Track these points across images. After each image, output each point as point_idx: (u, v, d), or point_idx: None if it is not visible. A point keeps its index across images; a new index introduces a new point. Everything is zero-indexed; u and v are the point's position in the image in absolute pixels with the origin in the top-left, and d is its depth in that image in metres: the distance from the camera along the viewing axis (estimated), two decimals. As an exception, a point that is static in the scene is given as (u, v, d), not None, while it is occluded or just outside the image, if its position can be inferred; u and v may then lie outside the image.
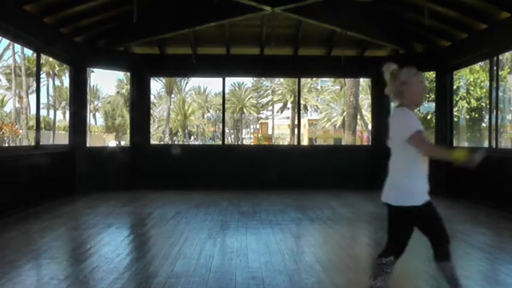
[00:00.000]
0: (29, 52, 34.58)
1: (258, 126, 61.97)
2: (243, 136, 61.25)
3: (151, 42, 9.63)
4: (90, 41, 9.05)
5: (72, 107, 9.15)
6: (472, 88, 20.04)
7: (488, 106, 8.51)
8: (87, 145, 9.85)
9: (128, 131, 10.92)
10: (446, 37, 8.75)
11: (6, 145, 25.94)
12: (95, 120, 56.24)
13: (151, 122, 32.37)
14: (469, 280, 3.68)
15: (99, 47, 9.25)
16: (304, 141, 43.33)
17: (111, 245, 4.75)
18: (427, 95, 20.91)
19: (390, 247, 2.90)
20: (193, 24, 8.89)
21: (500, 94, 18.84)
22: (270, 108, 58.73)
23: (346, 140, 23.14)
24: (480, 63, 16.40)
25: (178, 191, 9.00)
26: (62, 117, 50.13)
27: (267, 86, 56.37)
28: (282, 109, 55.04)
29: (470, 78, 19.79)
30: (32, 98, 35.08)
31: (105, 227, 5.69)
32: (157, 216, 6.51)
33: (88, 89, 40.65)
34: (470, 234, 5.43)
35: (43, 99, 43.76)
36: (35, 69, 8.58)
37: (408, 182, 2.77)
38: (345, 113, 27.77)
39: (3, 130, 29.22)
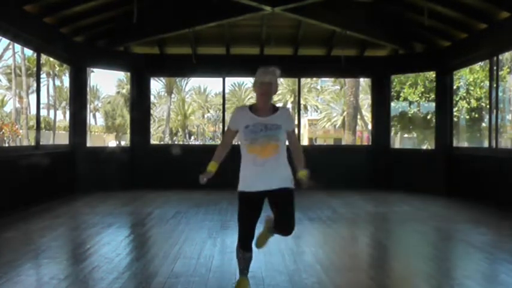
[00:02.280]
0: (29, 52, 34.56)
1: (258, 126, 61.82)
2: (243, 136, 61.12)
3: (151, 42, 9.64)
4: (90, 41, 9.05)
5: (72, 107, 9.15)
6: (472, 88, 20.02)
7: (488, 106, 8.51)
8: (87, 145, 9.84)
9: (128, 131, 10.92)
10: (446, 37, 8.75)
11: (7, 145, 25.94)
12: (95, 120, 56.22)
13: (151, 122, 32.33)
14: (469, 280, 3.68)
15: (99, 47, 9.25)
16: (304, 141, 43.30)
17: (111, 245, 4.75)
18: (427, 95, 20.96)
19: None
20: (193, 24, 8.89)
21: (500, 94, 18.80)
22: (270, 108, 58.64)
23: (346, 140, 23.15)
24: (480, 63, 16.37)
25: (178, 191, 9.00)
26: (62, 117, 50.08)
27: (267, 86, 56.23)
28: (282, 109, 54.92)
29: (470, 78, 19.77)
30: (32, 98, 35.05)
31: (105, 226, 5.68)
32: (157, 216, 6.50)
33: (88, 89, 40.63)
34: (470, 234, 5.43)
35: (43, 99, 43.71)
36: (35, 69, 8.58)
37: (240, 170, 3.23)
38: (345, 113, 27.78)
39: (3, 130, 29.21)
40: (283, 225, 3.22)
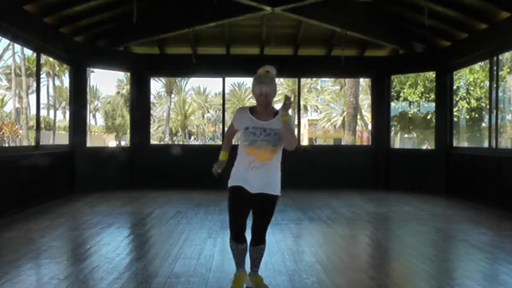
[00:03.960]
0: (29, 52, 34.63)
1: (258, 126, 61.85)
2: (243, 136, 61.13)
3: (151, 42, 9.63)
4: (90, 41, 9.05)
5: (72, 107, 9.15)
6: (472, 88, 20.03)
7: (488, 106, 8.51)
8: (87, 145, 9.84)
9: (128, 131, 10.92)
10: (446, 37, 8.75)
11: (6, 145, 25.94)
12: (95, 120, 56.27)
13: (151, 122, 32.34)
14: (469, 280, 3.68)
15: (99, 47, 9.26)
16: (304, 141, 43.30)
17: (111, 245, 4.75)
18: (427, 95, 20.96)
19: None
20: (193, 24, 8.89)
21: (500, 94, 18.81)
22: (270, 108, 58.68)
23: (346, 140, 23.14)
24: (480, 63, 16.38)
25: (178, 191, 9.00)
26: (62, 117, 50.13)
27: (267, 86, 56.28)
28: (282, 109, 54.97)
29: (470, 78, 19.78)
30: (32, 98, 35.08)
31: (105, 226, 5.68)
32: (157, 216, 6.50)
33: (88, 89, 40.66)
34: (471, 234, 5.43)
35: (43, 99, 43.82)
36: (35, 69, 8.58)
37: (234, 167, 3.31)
38: (345, 113, 27.76)
39: (3, 130, 29.21)
40: (259, 232, 3.33)
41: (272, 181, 3.22)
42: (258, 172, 3.17)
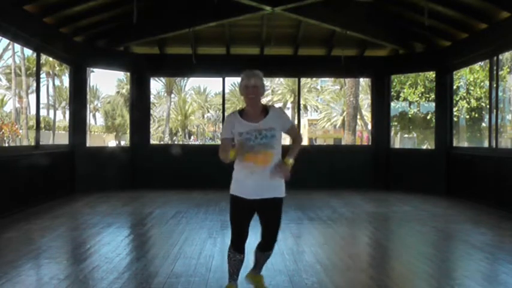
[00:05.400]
0: (28, 52, 34.59)
1: (258, 126, 61.81)
2: (243, 136, 61.09)
3: (151, 42, 9.63)
4: (90, 41, 9.05)
5: (72, 107, 9.15)
6: (472, 88, 20.03)
7: (488, 106, 8.51)
8: (87, 145, 9.84)
9: (128, 131, 10.92)
10: (446, 37, 8.75)
11: (6, 145, 25.93)
12: (95, 120, 56.23)
13: (151, 122, 32.35)
14: (469, 280, 3.68)
15: (99, 47, 9.25)
16: (304, 141, 43.32)
17: (111, 245, 4.75)
18: (427, 95, 20.96)
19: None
20: (193, 24, 8.89)
21: (500, 94, 18.79)
22: (270, 108, 58.67)
23: (346, 140, 23.13)
24: (480, 63, 16.38)
25: (178, 191, 9.00)
26: (62, 117, 50.09)
27: (267, 86, 56.25)
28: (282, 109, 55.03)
29: (470, 78, 19.78)
30: (32, 98, 35.11)
31: (105, 226, 5.69)
32: (157, 216, 6.50)
33: (88, 89, 40.64)
34: (471, 234, 5.43)
35: (43, 99, 43.75)
36: (35, 69, 8.58)
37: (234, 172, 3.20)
38: (345, 113, 27.76)
39: (3, 130, 29.18)
40: (267, 239, 3.21)
41: (274, 184, 3.09)
42: (258, 177, 3.05)
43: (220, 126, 12.57)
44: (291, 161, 3.08)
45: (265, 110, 3.13)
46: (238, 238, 3.15)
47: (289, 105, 52.36)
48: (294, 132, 3.25)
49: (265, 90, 3.16)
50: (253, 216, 3.17)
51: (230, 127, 3.11)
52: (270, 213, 3.14)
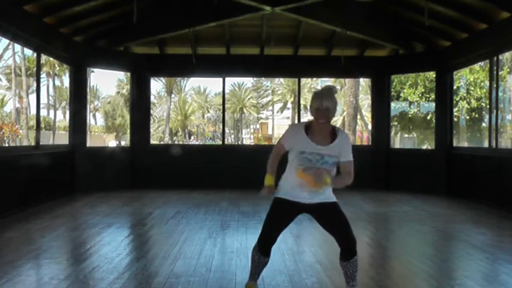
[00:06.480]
0: (29, 52, 34.58)
1: (258, 126, 61.90)
2: (243, 136, 61.20)
3: (151, 42, 9.63)
4: (90, 41, 9.05)
5: (72, 107, 9.15)
6: (472, 88, 20.01)
7: (488, 106, 8.51)
8: (87, 145, 9.84)
9: (128, 131, 10.92)
10: (446, 37, 8.75)
11: (6, 145, 25.93)
12: (95, 120, 56.20)
13: (151, 122, 32.33)
14: (469, 280, 3.68)
15: (99, 47, 9.25)
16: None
17: (111, 245, 4.75)
18: (427, 95, 20.96)
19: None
20: (193, 24, 8.89)
21: (500, 94, 18.80)
22: (270, 108, 58.69)
23: (346, 140, 23.07)
24: (480, 63, 16.37)
25: (178, 191, 9.00)
26: (62, 117, 50.08)
27: (267, 86, 56.33)
28: (282, 109, 55.00)
29: (470, 78, 19.76)
30: (32, 98, 35.03)
31: (105, 226, 5.68)
32: (157, 216, 6.51)
33: (88, 89, 40.60)
34: (471, 234, 5.43)
35: (43, 99, 43.71)
36: (35, 69, 8.58)
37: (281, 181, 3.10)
38: (345, 113, 27.75)
39: (3, 130, 29.16)
40: (346, 243, 3.04)
41: (325, 191, 2.99)
42: (309, 193, 2.94)
43: (220, 127, 12.56)
44: (329, 180, 2.85)
45: (333, 132, 2.96)
46: (269, 241, 3.09)
47: (289, 105, 52.40)
48: (349, 168, 3.00)
49: (336, 110, 2.93)
50: (289, 226, 3.18)
51: (292, 142, 2.97)
52: (335, 216, 3.06)
